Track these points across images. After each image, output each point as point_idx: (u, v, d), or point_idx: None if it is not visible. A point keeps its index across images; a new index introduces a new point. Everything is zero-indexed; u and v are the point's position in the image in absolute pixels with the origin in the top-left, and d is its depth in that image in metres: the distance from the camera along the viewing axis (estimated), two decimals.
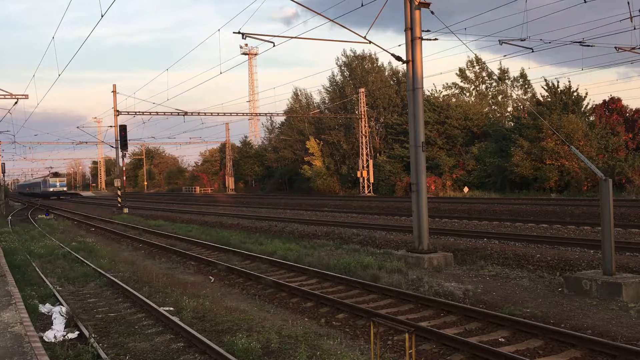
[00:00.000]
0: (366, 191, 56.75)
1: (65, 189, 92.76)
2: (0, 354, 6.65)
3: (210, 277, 14.49)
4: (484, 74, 60.20)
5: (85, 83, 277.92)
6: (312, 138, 64.79)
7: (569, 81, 66.61)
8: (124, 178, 43.83)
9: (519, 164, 43.65)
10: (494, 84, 59.94)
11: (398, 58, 15.27)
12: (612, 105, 47.38)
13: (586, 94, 47.26)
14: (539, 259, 13.87)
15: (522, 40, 19.38)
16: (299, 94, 73.52)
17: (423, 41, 14.87)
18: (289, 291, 12.10)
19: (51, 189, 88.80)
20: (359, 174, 57.64)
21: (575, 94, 46.49)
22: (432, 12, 14.89)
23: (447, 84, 67.70)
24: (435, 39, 16.27)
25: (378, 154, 59.65)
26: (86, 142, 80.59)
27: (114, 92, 43.70)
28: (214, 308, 10.36)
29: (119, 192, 44.11)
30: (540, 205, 29.51)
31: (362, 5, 16.91)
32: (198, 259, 17.28)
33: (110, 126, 60.98)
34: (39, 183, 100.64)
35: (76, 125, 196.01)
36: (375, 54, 65.59)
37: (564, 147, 40.73)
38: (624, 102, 47.88)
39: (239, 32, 16.26)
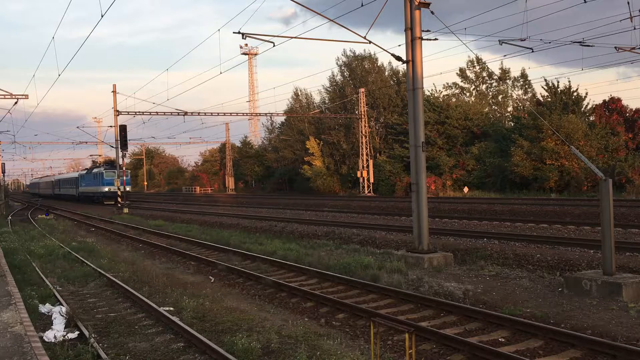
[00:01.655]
0: (366, 191, 56.75)
1: (128, 188, 56.85)
2: (0, 354, 6.64)
3: (210, 277, 14.48)
4: (484, 74, 60.25)
5: (85, 83, 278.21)
6: (312, 138, 64.81)
7: (569, 81, 66.66)
8: (124, 178, 43.81)
9: (519, 164, 43.67)
10: (494, 84, 59.99)
11: (398, 58, 15.27)
12: (612, 105, 47.40)
13: (586, 94, 47.41)
14: (539, 259, 13.87)
15: (522, 40, 19.40)
16: (299, 94, 73.60)
17: (423, 41, 14.87)
18: (289, 291, 12.10)
19: (106, 189, 55.67)
20: (359, 174, 57.65)
21: (575, 94, 46.53)
22: (432, 12, 14.89)
23: (447, 84, 67.75)
24: (435, 39, 16.27)
25: (378, 154, 59.66)
26: (86, 142, 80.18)
27: (114, 92, 43.70)
28: (214, 308, 10.36)
29: (119, 192, 44.10)
30: (540, 205, 29.50)
31: (362, 5, 16.93)
32: (198, 259, 17.28)
33: (110, 126, 60.33)
34: (77, 179, 68.06)
35: (76, 125, 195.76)
36: (375, 54, 65.69)
37: (564, 147, 40.75)
38: (624, 102, 47.96)
39: (239, 32, 16.26)
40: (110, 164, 59.17)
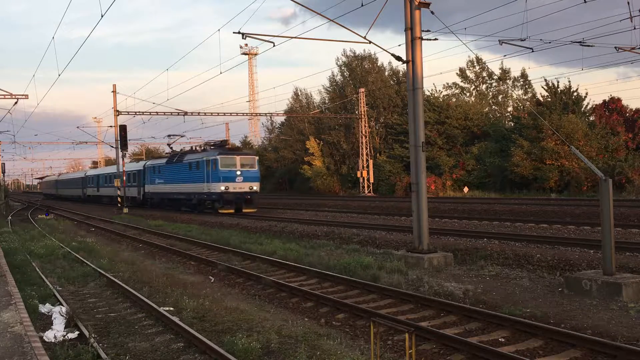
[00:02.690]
0: (366, 191, 56.75)
1: (256, 187, 34.76)
2: (0, 354, 6.65)
3: (210, 277, 14.49)
4: (484, 74, 60.26)
5: (85, 83, 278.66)
6: (312, 138, 64.82)
7: (569, 81, 66.64)
8: (124, 178, 43.83)
9: (519, 164, 43.68)
10: (494, 84, 60.01)
11: (398, 58, 15.27)
12: (612, 105, 47.43)
13: (586, 94, 47.38)
14: (539, 259, 13.87)
15: (522, 40, 19.39)
16: (299, 94, 73.65)
17: (423, 41, 14.87)
18: (289, 291, 12.10)
19: (222, 186, 33.16)
20: (359, 174, 57.65)
21: (575, 94, 46.54)
22: (432, 12, 14.89)
23: (447, 84, 67.81)
24: (435, 39, 16.26)
25: (378, 154, 59.66)
26: (86, 142, 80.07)
27: (114, 92, 43.70)
28: (214, 308, 10.36)
29: (119, 192, 44.13)
30: (540, 205, 29.51)
31: (362, 5, 16.90)
32: (198, 259, 17.28)
33: (110, 126, 59.63)
34: (141, 173, 45.76)
35: (76, 125, 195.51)
36: (375, 54, 65.72)
37: (564, 147, 40.76)
38: (624, 102, 48.02)
39: (239, 32, 16.26)
40: (221, 145, 36.29)
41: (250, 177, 33.94)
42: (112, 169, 54.73)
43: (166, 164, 41.07)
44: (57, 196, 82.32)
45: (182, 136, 45.62)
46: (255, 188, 33.99)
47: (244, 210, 33.46)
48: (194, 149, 40.40)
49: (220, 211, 33.03)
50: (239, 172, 33.43)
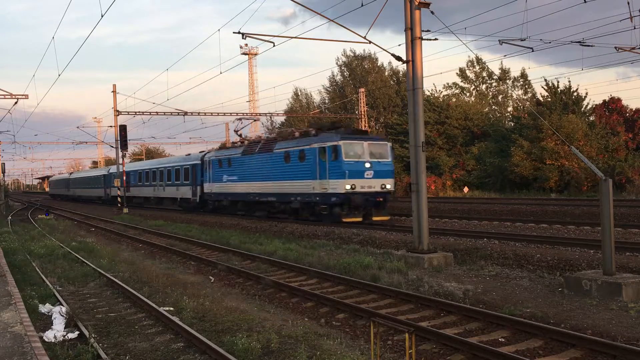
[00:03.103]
0: None
1: (390, 185, 24.07)
2: (0, 354, 6.65)
3: (210, 277, 14.49)
4: (484, 74, 60.28)
5: (85, 83, 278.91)
6: None
7: (569, 81, 66.59)
8: (124, 178, 43.83)
9: (519, 164, 43.68)
10: (494, 84, 60.01)
11: (398, 58, 15.27)
12: (612, 105, 47.47)
13: (586, 94, 47.44)
14: (539, 259, 13.87)
15: (522, 40, 19.41)
16: (299, 93, 73.64)
17: (423, 41, 14.87)
18: (289, 291, 12.11)
19: (347, 186, 22.93)
20: None
21: (575, 94, 46.56)
22: (432, 12, 14.90)
23: (447, 84, 67.81)
24: (435, 39, 16.26)
25: None
26: (86, 142, 79.75)
27: (114, 92, 43.71)
28: (214, 308, 10.36)
29: (119, 192, 44.13)
30: (540, 205, 29.50)
31: (362, 5, 16.90)
32: (198, 259, 17.29)
33: (110, 126, 59.42)
34: (198, 167, 35.79)
35: (76, 125, 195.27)
36: (375, 54, 65.74)
37: (564, 147, 40.76)
38: (624, 102, 48.06)
39: (239, 32, 16.29)
40: (335, 127, 26.54)
41: (383, 171, 24.28)
42: (147, 164, 46.55)
43: (243, 154, 30.51)
44: (69, 197, 72.68)
45: (255, 120, 36.90)
46: (389, 187, 24.37)
47: (374, 218, 24.06)
48: (291, 133, 28.83)
49: (344, 220, 23.61)
50: (368, 165, 23.70)
